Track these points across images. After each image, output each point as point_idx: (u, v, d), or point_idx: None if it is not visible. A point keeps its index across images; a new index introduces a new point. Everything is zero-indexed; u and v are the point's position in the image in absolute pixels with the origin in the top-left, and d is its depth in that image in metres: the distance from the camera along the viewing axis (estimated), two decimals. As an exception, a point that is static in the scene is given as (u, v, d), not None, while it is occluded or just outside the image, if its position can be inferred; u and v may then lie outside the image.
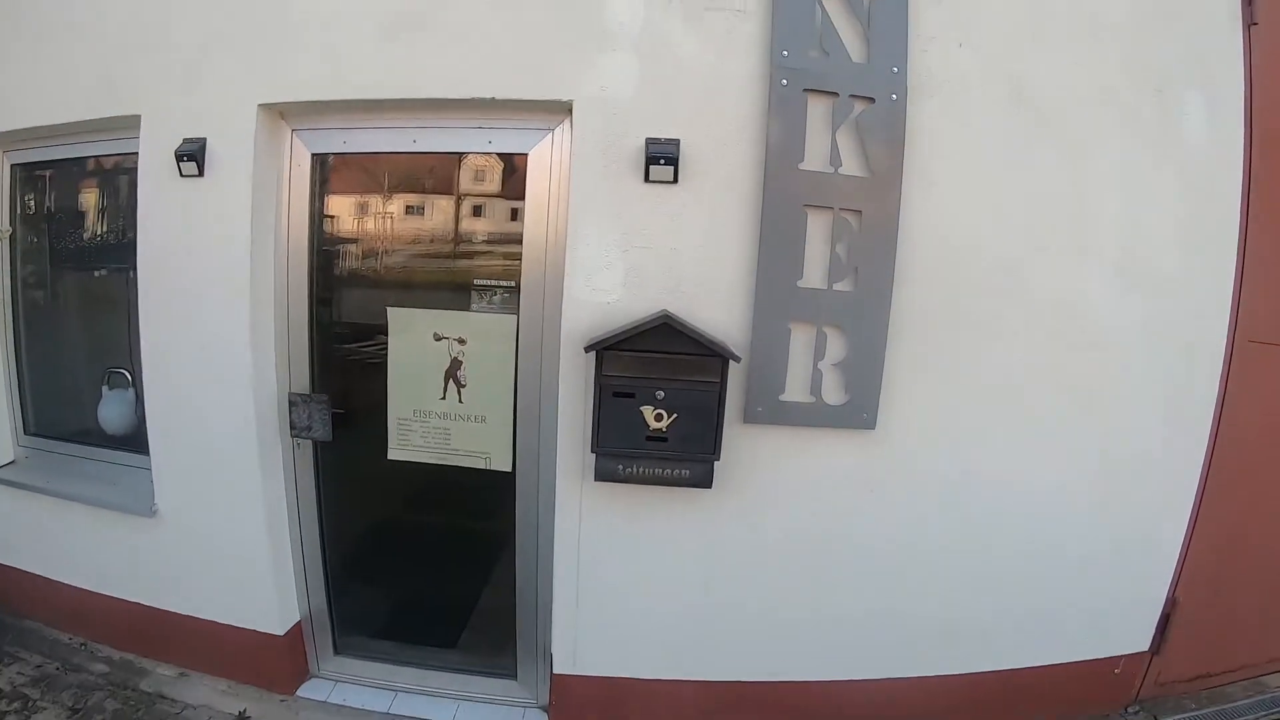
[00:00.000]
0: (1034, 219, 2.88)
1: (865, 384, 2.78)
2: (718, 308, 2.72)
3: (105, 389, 3.55)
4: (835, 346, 2.76)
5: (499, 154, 2.89)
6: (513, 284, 2.88)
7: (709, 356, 2.56)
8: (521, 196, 2.83)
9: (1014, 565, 3.09)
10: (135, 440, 3.44)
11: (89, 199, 3.66)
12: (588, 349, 2.56)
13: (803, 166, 2.66)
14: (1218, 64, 3.06)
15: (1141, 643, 3.35)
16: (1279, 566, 3.52)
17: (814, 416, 2.77)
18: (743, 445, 2.79)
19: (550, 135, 2.81)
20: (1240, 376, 3.15)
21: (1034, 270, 2.88)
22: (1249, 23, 3.13)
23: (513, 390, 2.93)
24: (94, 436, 3.64)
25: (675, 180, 2.64)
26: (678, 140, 2.64)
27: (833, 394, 2.79)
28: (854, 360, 2.76)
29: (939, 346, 2.85)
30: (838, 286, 2.72)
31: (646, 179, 2.64)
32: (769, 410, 2.74)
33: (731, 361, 2.57)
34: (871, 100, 2.68)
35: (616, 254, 2.68)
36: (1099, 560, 3.16)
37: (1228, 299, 3.12)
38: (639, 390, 2.59)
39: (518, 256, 2.86)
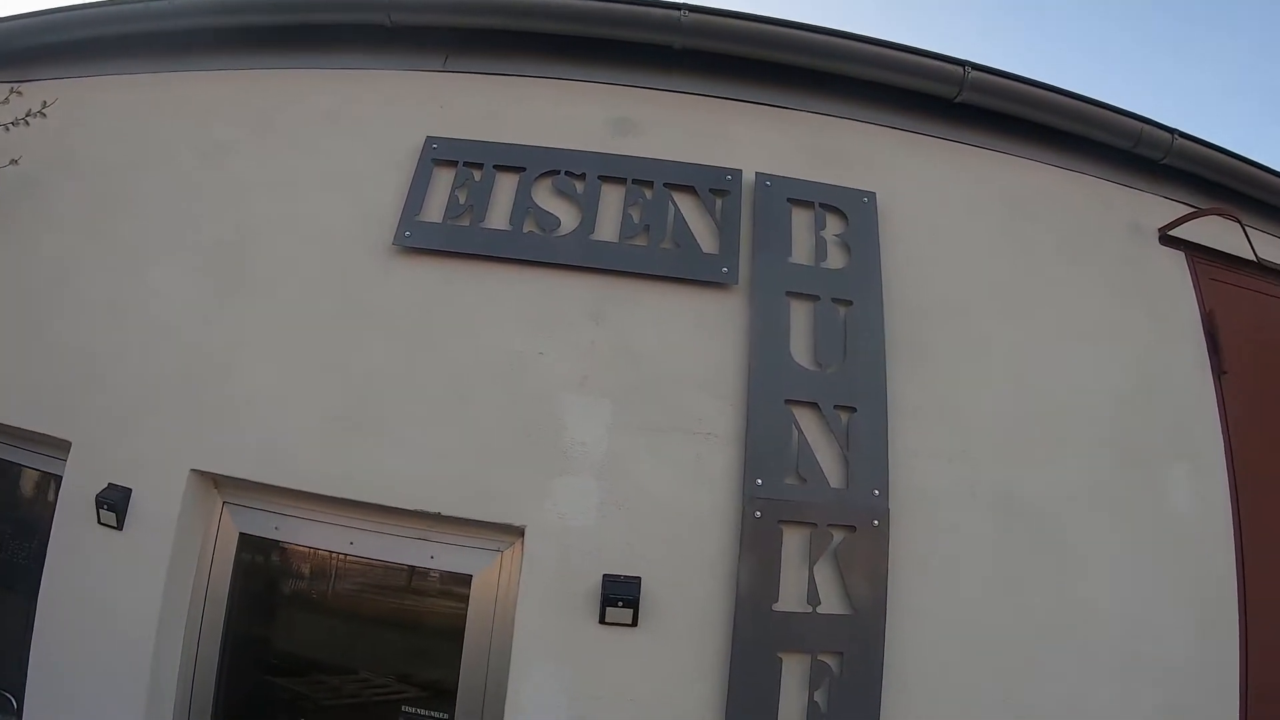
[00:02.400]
0: (1034, 633, 2.57)
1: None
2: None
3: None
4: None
5: (443, 572, 2.55)
6: (445, 718, 2.49)
7: None
8: (463, 622, 2.48)
9: None
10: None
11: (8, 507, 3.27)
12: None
13: (777, 607, 2.34)
14: (1196, 423, 2.90)
15: None
16: None
17: None
18: None
19: (499, 558, 2.48)
20: None
21: (1039, 691, 2.55)
22: (1219, 372, 2.97)
23: None
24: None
25: (634, 623, 2.30)
26: (639, 579, 2.32)
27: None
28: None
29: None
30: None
31: (602, 620, 2.30)
32: None
33: None
34: (852, 528, 2.40)
35: (563, 703, 2.30)
36: None
37: (1235, 682, 2.82)
38: None
39: (454, 690, 2.48)
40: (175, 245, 2.89)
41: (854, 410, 2.46)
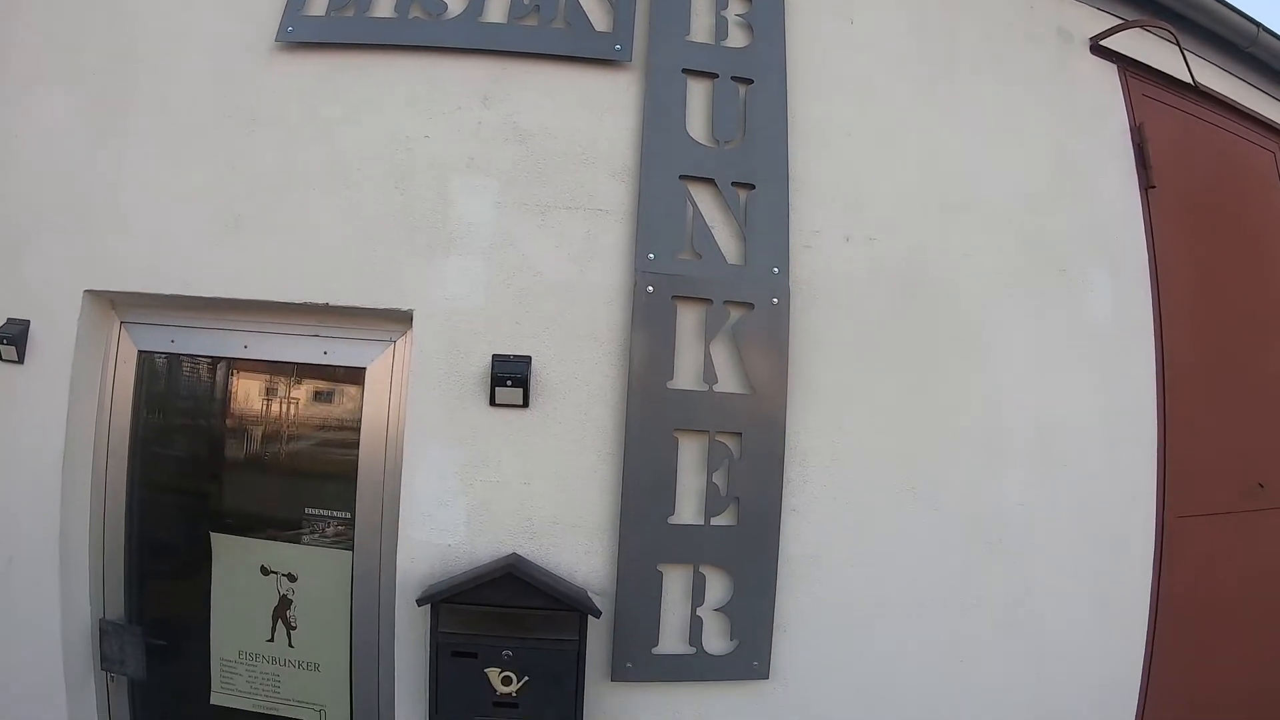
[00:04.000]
0: (942, 428, 2.50)
1: (755, 629, 2.31)
2: (576, 550, 2.25)
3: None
4: (717, 589, 2.30)
5: (336, 366, 2.44)
6: (347, 516, 2.41)
7: (564, 610, 2.09)
8: (359, 417, 2.38)
9: None
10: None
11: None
12: (420, 602, 2.06)
13: (672, 385, 2.24)
14: (1119, 233, 2.80)
15: None
16: None
17: (697, 669, 2.29)
18: (610, 708, 2.28)
19: (391, 348, 2.38)
20: (1173, 556, 2.80)
21: (947, 485, 2.49)
22: (1146, 186, 2.84)
23: (349, 637, 2.43)
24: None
25: (525, 403, 2.21)
26: (528, 358, 2.22)
27: (716, 642, 2.31)
28: (740, 603, 2.29)
29: (841, 583, 2.41)
30: (716, 521, 2.28)
31: (493, 402, 2.21)
32: (641, 666, 2.25)
33: (592, 616, 2.11)
34: (750, 306, 2.29)
35: (458, 488, 2.22)
36: None
37: (1153, 480, 2.79)
38: (483, 650, 2.09)
39: (354, 487, 2.39)
40: (60, 68, 2.70)
41: (752, 188, 2.33)
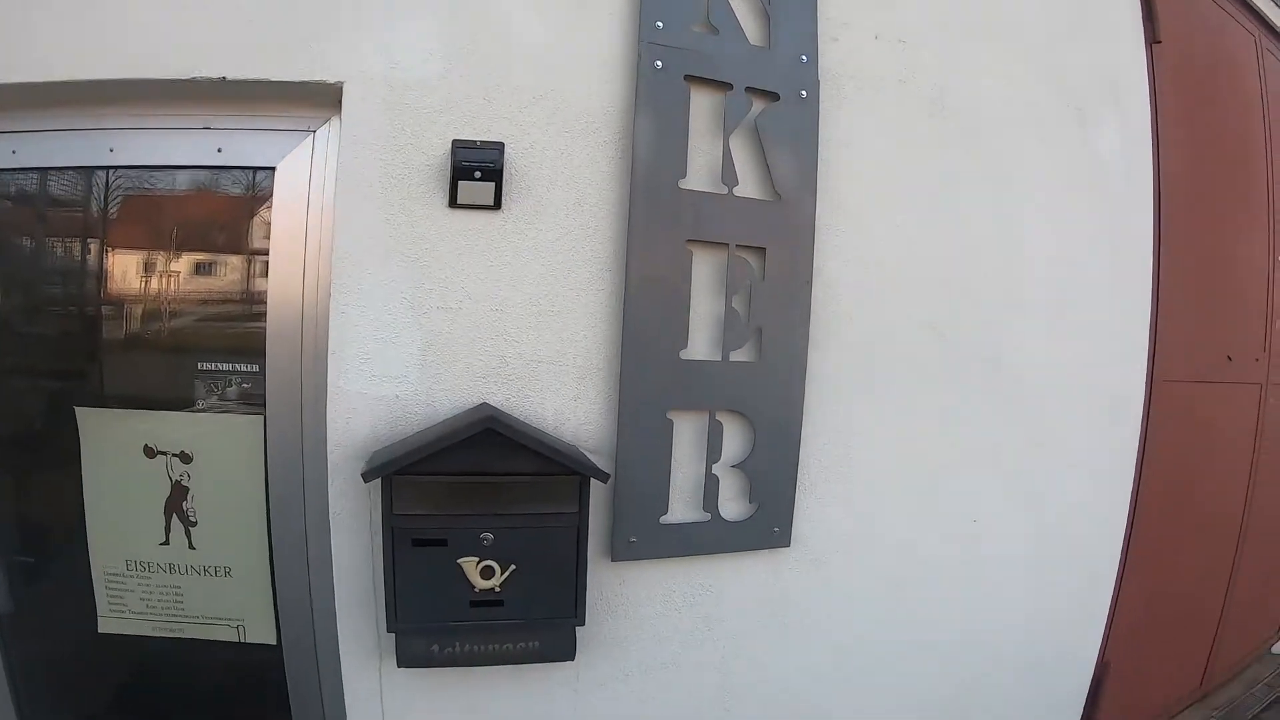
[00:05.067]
0: (965, 263, 2.17)
1: (777, 487, 1.91)
2: (564, 395, 1.75)
3: None
4: (735, 440, 1.87)
5: (234, 168, 1.82)
6: (255, 369, 1.81)
7: (561, 475, 1.60)
8: (267, 234, 1.79)
9: (952, 675, 2.32)
10: None
11: None
12: (367, 475, 1.51)
13: (685, 185, 1.77)
14: (1126, 79, 2.54)
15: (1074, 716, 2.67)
16: (1193, 603, 3.09)
17: (711, 540, 1.86)
18: (611, 594, 1.82)
19: (310, 140, 1.78)
20: (1158, 421, 2.65)
21: (965, 325, 2.16)
22: (1151, 40, 2.60)
23: (265, 530, 1.84)
24: None
25: (497, 204, 1.69)
26: (501, 145, 1.69)
27: (733, 506, 1.89)
28: (761, 456, 1.87)
29: (859, 425, 2.04)
30: (735, 356, 1.84)
31: (454, 202, 1.67)
32: (647, 540, 1.80)
33: (595, 481, 1.62)
34: (775, 97, 1.84)
35: (408, 319, 1.67)
36: (1037, 645, 2.47)
37: (1145, 340, 2.59)
38: (455, 534, 1.57)
39: (264, 324, 1.79)
40: None
41: (776, -46, 1.89)
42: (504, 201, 1.69)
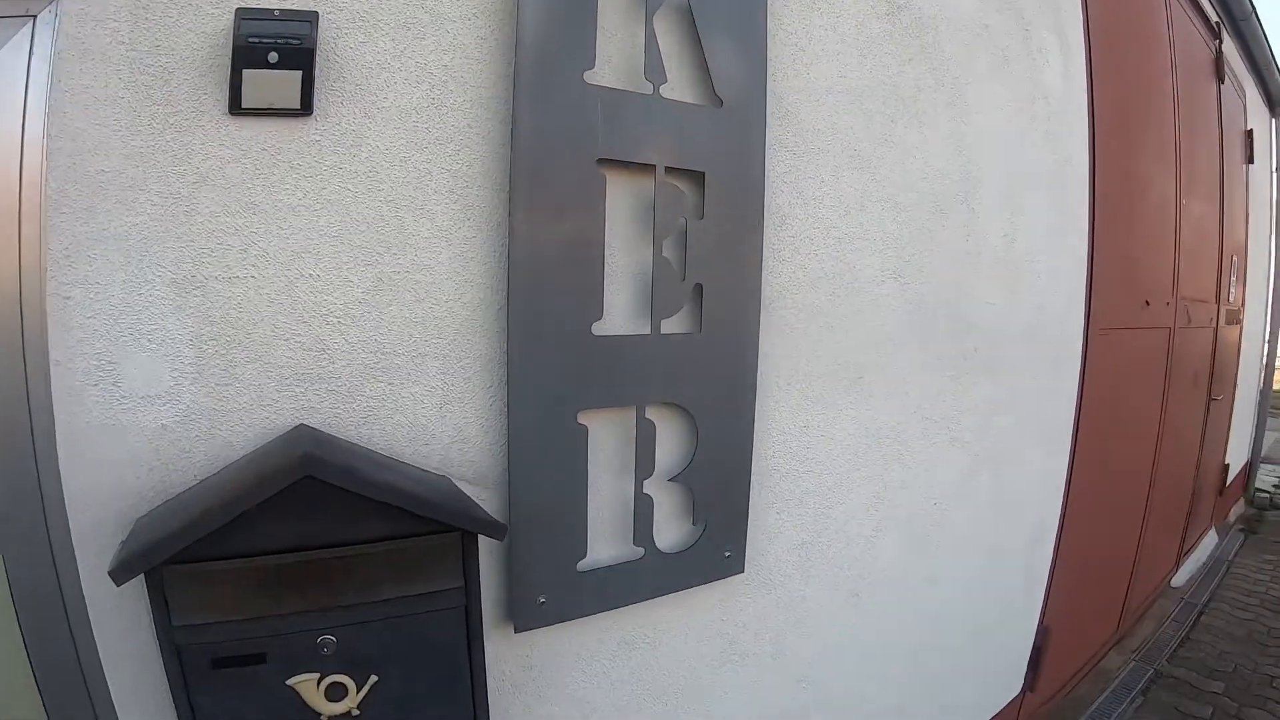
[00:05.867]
0: (926, 191, 1.76)
1: (726, 499, 1.42)
2: (423, 402, 1.14)
3: None
4: (671, 444, 1.36)
5: None
6: None
7: (433, 533, 1.01)
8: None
9: (913, 667, 2.02)
10: None
11: None
12: (117, 574, 0.84)
13: (592, 79, 1.20)
14: (1067, 11, 2.30)
15: (1016, 685, 2.53)
16: (1114, 551, 3.06)
17: (647, 582, 1.34)
18: (519, 675, 1.27)
19: (29, 29, 1.04)
20: (1092, 372, 2.52)
21: (931, 277, 1.78)
22: None
23: (23, 651, 1.10)
24: None
25: (307, 107, 1.04)
26: (314, 15, 1.04)
27: (671, 531, 1.39)
28: (705, 462, 1.38)
29: (820, 406, 1.61)
30: (668, 327, 1.31)
31: (237, 106, 1.00)
32: (561, 596, 1.24)
33: (488, 538, 1.05)
34: (708, -44, 1.30)
35: (170, 298, 1.00)
36: (989, 616, 2.27)
37: (1083, 288, 2.45)
38: (278, 644, 0.94)
39: None
40: None
41: None
42: (317, 103, 1.05)
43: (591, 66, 1.18)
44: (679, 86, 1.28)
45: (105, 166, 0.98)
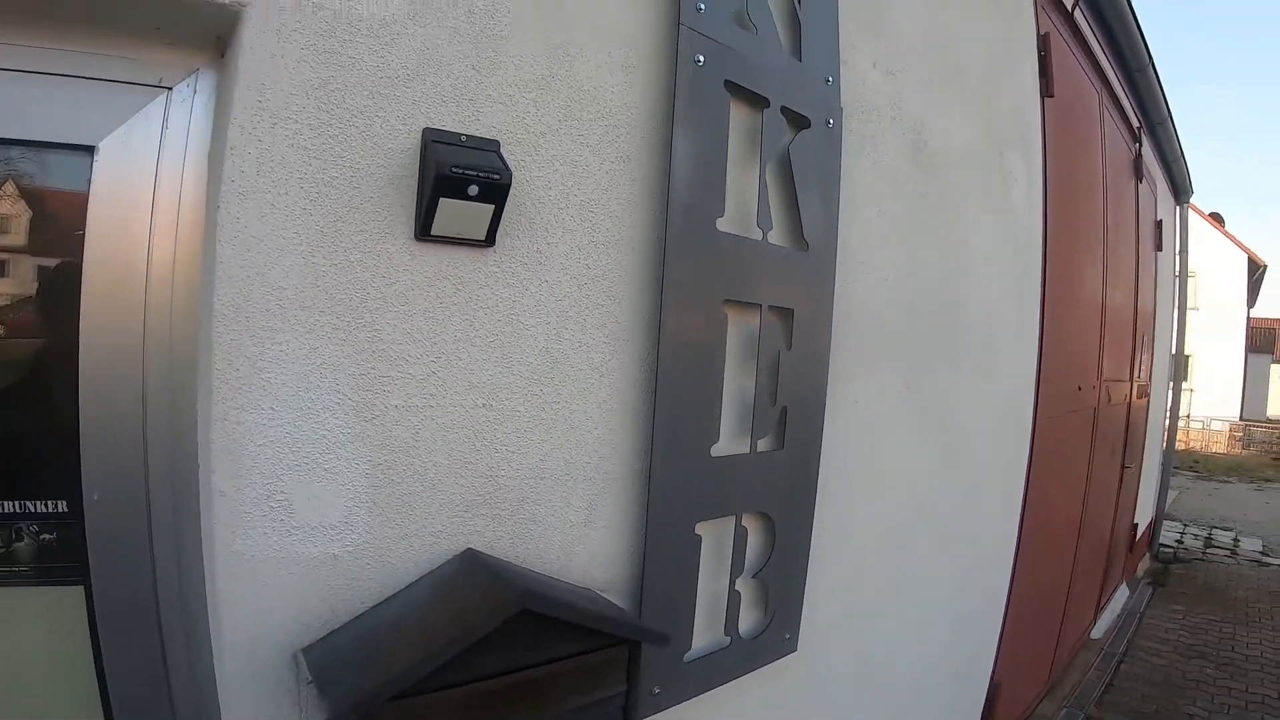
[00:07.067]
0: (936, 298, 2.06)
1: (790, 590, 1.56)
2: (573, 520, 1.21)
3: None
4: (756, 546, 1.49)
5: (30, 144, 0.94)
6: (62, 508, 0.97)
7: (605, 649, 1.07)
8: (77, 276, 0.97)
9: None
10: None
11: None
12: (341, 715, 0.85)
13: (723, 226, 1.33)
14: (1029, 126, 2.70)
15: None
16: (1047, 605, 3.36)
17: (731, 665, 1.45)
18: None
19: (163, 102, 1.00)
20: (1039, 445, 2.83)
21: (928, 380, 2.05)
22: (1045, 94, 2.73)
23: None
24: None
25: (490, 239, 1.09)
26: (497, 143, 1.09)
27: (750, 618, 1.51)
28: (779, 561, 1.51)
29: (859, 499, 1.82)
30: (762, 445, 1.45)
31: (425, 232, 1.04)
32: (672, 686, 1.32)
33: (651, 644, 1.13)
34: (806, 123, 1.47)
35: (347, 426, 1.01)
36: (948, 680, 2.50)
37: (1034, 376, 2.78)
38: None
39: (76, 431, 0.97)
40: None
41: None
42: (498, 234, 1.10)
43: (722, 215, 1.31)
44: (778, 233, 1.44)
45: (284, 284, 0.97)
